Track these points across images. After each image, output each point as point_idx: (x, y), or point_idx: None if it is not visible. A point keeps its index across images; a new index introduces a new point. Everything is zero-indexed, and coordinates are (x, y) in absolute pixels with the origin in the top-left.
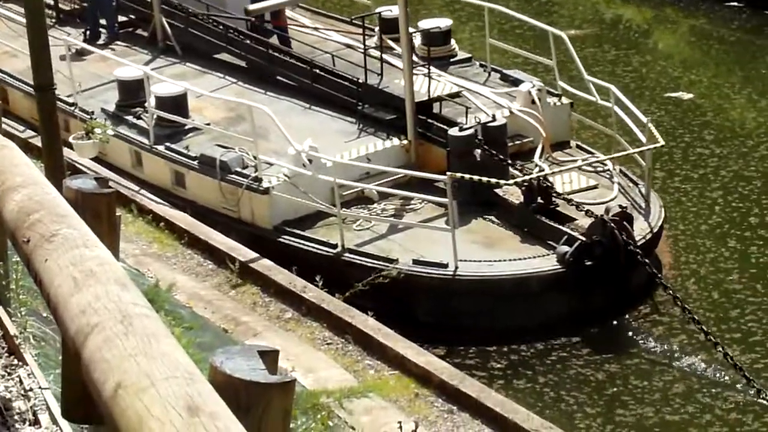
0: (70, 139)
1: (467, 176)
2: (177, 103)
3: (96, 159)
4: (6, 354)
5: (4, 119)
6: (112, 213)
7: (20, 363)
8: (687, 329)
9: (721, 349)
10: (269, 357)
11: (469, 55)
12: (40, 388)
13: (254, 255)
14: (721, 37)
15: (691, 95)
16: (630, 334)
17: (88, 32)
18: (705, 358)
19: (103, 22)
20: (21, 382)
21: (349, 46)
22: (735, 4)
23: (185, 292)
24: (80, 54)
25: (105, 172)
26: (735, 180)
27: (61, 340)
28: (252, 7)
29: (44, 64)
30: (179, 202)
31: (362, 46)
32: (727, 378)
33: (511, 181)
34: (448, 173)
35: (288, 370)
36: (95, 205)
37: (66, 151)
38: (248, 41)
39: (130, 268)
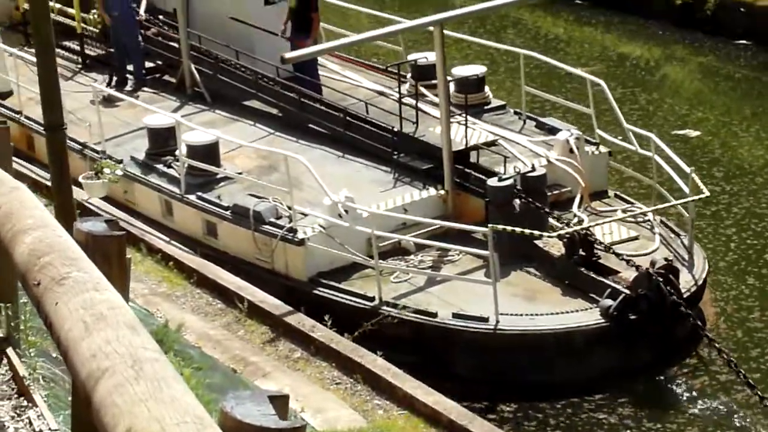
0: (80, 179)
1: (509, 228)
2: (208, 152)
3: (125, 207)
4: (15, 395)
5: (27, 164)
6: (123, 255)
7: (30, 404)
8: (733, 382)
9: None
10: (279, 402)
11: (504, 103)
12: (49, 429)
13: (262, 294)
14: (729, 74)
15: (698, 133)
16: (674, 388)
17: (114, 78)
18: (754, 413)
19: (130, 67)
20: (30, 423)
21: (381, 93)
22: (742, 41)
23: (194, 331)
24: (107, 100)
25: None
26: (747, 217)
27: (72, 383)
28: (288, 55)
29: (54, 104)
30: (211, 253)
31: (394, 93)
32: None
33: (554, 234)
34: (489, 225)
35: (297, 411)
36: (106, 247)
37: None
38: (279, 88)
39: (140, 308)
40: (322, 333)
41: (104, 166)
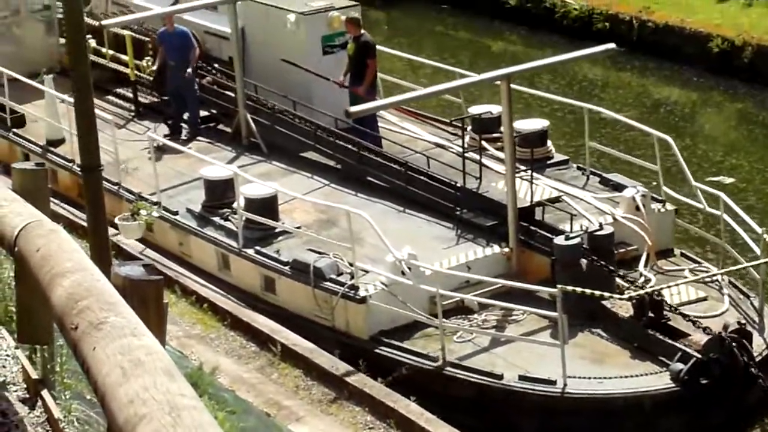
0: (116, 220)
1: (579, 290)
2: (267, 205)
3: (177, 258)
4: None
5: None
6: (160, 300)
7: None
8: None
9: None
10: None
11: (566, 157)
12: None
13: (296, 337)
14: (765, 121)
15: (732, 179)
16: None
17: (169, 126)
18: None
19: (185, 116)
20: None
21: (440, 145)
22: None
23: (228, 375)
24: (162, 149)
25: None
26: None
27: (107, 428)
28: (353, 109)
29: (91, 145)
30: (269, 308)
31: (454, 146)
32: None
33: (626, 296)
34: (559, 286)
35: None
36: (143, 292)
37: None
38: (338, 140)
39: (174, 351)
40: (356, 377)
41: (140, 208)
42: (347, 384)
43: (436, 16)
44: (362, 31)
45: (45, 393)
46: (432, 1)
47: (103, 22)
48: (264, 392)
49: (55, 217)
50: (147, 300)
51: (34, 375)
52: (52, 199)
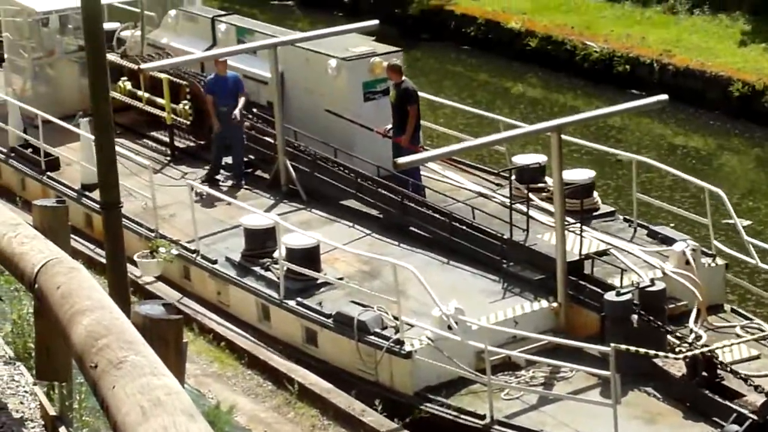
0: (135, 257)
1: (633, 349)
2: (309, 256)
3: (216, 308)
4: None
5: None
6: (180, 339)
7: None
8: None
9: None
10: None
11: (613, 209)
12: None
13: (313, 377)
14: None
15: (749, 222)
16: None
17: (207, 173)
18: None
19: (228, 162)
20: None
21: (483, 195)
22: None
23: (245, 413)
24: (200, 195)
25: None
26: None
27: None
28: (401, 160)
29: (111, 183)
30: (310, 361)
31: (497, 196)
32: None
33: (680, 356)
34: (612, 345)
35: None
36: (163, 331)
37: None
38: (380, 188)
39: (192, 389)
40: (372, 418)
41: (159, 245)
42: (364, 424)
43: (457, 57)
44: (404, 77)
45: (62, 430)
46: (454, 42)
47: (142, 66)
48: None
49: (75, 254)
50: (167, 339)
51: (52, 412)
52: (86, 244)
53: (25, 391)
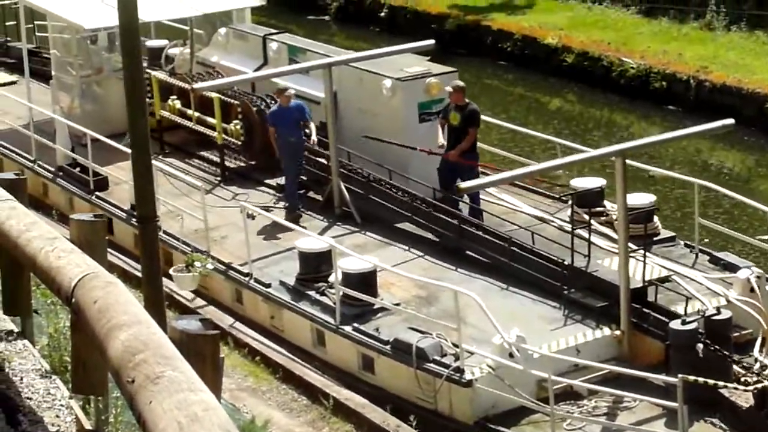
0: (171, 272)
1: (701, 380)
2: (366, 280)
3: (267, 332)
4: None
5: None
6: (216, 354)
7: None
8: None
9: None
10: None
11: (673, 234)
12: None
13: (347, 392)
14: None
15: None
16: None
17: (287, 205)
18: None
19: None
20: None
21: (542, 219)
22: None
23: (280, 428)
24: (250, 217)
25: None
26: None
27: None
28: (464, 185)
29: (147, 197)
30: (366, 388)
31: (556, 219)
32: None
33: (751, 387)
34: (680, 375)
35: None
36: (200, 346)
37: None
38: (436, 211)
39: (227, 404)
40: None
41: (195, 260)
42: None
43: (493, 71)
44: (467, 99)
45: None
46: (490, 58)
47: (195, 86)
48: None
49: (111, 267)
50: (204, 354)
51: (88, 426)
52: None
53: (61, 405)
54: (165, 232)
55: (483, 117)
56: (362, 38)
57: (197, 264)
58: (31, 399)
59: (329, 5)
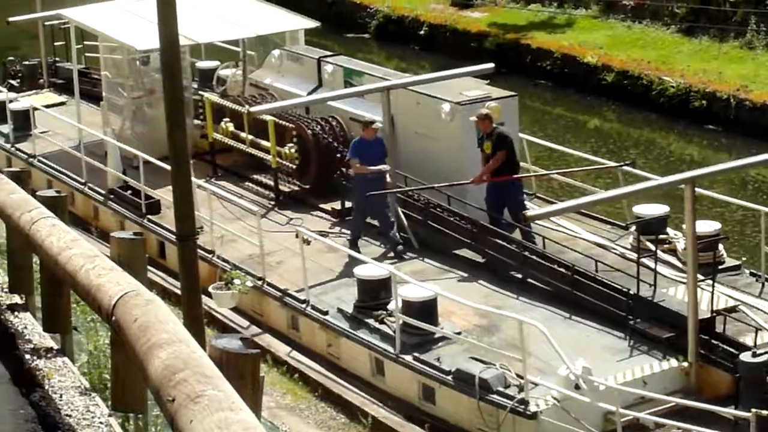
0: (210, 289)
1: None
2: (426, 309)
3: (324, 360)
4: None
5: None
6: (257, 374)
7: None
8: None
9: None
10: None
11: (738, 263)
12: None
13: (386, 411)
14: None
15: None
16: None
17: (391, 245)
18: None
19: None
20: None
21: (602, 246)
22: None
23: None
24: (306, 242)
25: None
26: None
27: None
28: (531, 213)
29: (187, 214)
30: (426, 419)
31: (617, 247)
32: None
33: None
34: (753, 410)
35: None
36: (240, 365)
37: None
38: (496, 238)
39: (266, 422)
40: None
41: (234, 277)
42: None
43: (533, 90)
44: (494, 124)
45: None
46: (529, 76)
47: (251, 109)
48: None
49: (151, 285)
50: (244, 374)
51: None
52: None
53: (101, 422)
54: (219, 257)
55: (523, 135)
56: (401, 56)
57: (236, 281)
58: (70, 416)
59: (369, 23)
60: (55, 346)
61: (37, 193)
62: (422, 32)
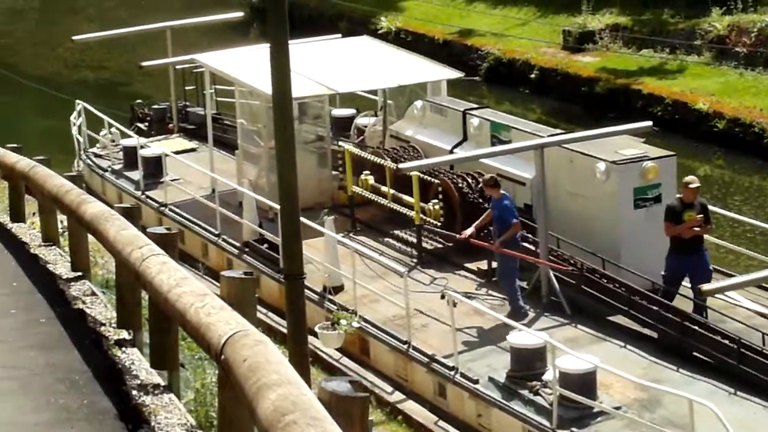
0: (316, 329)
1: None
2: (586, 382)
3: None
4: None
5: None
6: (365, 417)
7: None
8: None
9: None
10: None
11: None
12: None
13: None
14: None
15: None
16: None
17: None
18: None
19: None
20: None
21: (764, 315)
22: None
23: None
24: (453, 304)
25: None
26: None
27: None
28: (707, 288)
29: (295, 254)
30: None
31: None
32: None
33: None
34: None
35: None
36: (349, 408)
37: None
38: (656, 306)
39: None
40: None
41: (340, 317)
42: None
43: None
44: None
45: None
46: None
47: (401, 166)
48: None
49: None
50: (353, 416)
51: None
52: (331, 353)
53: None
54: (363, 318)
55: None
56: (511, 100)
57: (343, 322)
58: None
59: (479, 65)
60: (162, 383)
61: (148, 230)
62: (533, 76)
